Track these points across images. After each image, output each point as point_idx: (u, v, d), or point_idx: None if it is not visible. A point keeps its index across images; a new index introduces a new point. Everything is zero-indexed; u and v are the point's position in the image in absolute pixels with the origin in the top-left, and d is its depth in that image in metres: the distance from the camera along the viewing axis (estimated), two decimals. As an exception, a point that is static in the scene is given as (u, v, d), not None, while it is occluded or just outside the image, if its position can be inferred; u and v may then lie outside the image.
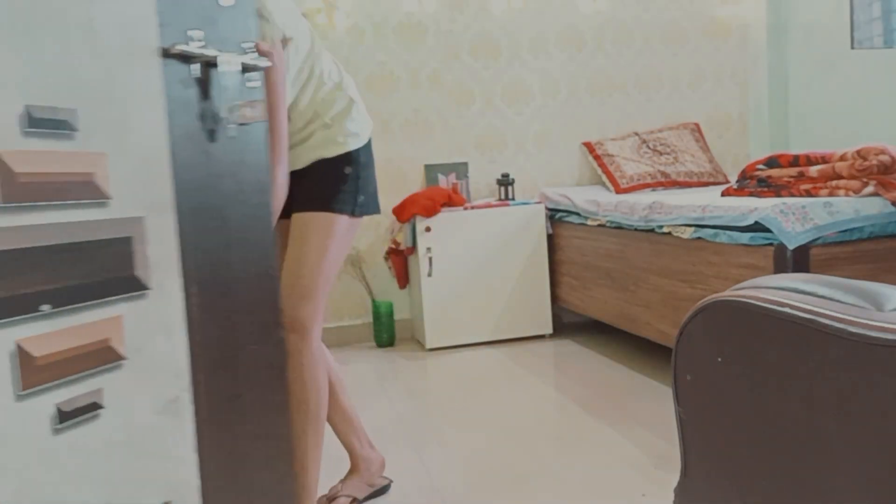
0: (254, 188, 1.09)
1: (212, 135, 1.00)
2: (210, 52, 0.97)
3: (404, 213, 3.49)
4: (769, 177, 2.44)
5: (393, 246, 3.68)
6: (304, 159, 1.64)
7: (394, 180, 3.81)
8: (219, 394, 1.00)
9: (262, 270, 1.11)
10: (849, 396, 0.68)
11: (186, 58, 0.95)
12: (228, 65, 0.99)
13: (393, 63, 3.78)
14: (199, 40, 0.96)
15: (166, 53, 0.91)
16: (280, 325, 1.15)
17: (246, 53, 1.07)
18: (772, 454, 0.79)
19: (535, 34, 3.96)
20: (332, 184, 1.65)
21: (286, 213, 1.61)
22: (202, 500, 0.95)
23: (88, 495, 0.78)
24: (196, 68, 0.97)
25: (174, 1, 0.92)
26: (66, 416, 0.76)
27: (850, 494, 0.69)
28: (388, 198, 3.80)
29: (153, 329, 0.87)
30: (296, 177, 1.61)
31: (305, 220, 1.62)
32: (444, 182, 3.82)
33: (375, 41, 3.76)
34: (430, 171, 3.83)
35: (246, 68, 1.06)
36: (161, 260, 0.89)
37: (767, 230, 2.09)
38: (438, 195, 3.50)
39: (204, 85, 0.99)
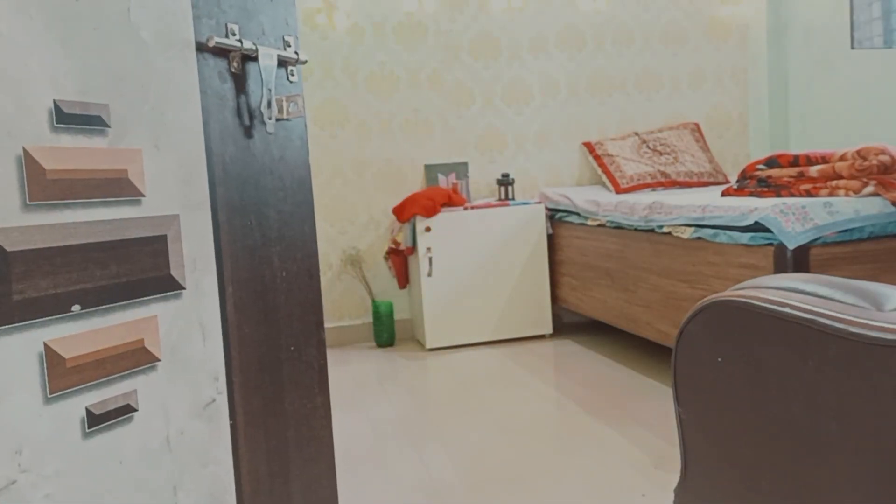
0: (294, 185, 1.06)
1: (249, 130, 0.97)
2: (248, 46, 0.93)
3: (404, 213, 3.49)
4: (769, 177, 2.44)
5: (393, 246, 3.67)
6: None
7: (394, 180, 3.81)
8: (256, 396, 0.98)
9: (303, 269, 1.08)
10: (849, 396, 0.68)
11: (224, 51, 0.92)
12: (269, 58, 0.95)
13: (393, 63, 3.78)
14: (236, 33, 0.94)
15: (203, 47, 0.88)
16: (321, 326, 1.12)
17: (287, 47, 1.03)
18: (772, 454, 0.79)
19: (535, 34, 3.96)
20: None
21: None
22: None
23: (122, 501, 0.76)
24: (234, 62, 0.94)
25: None
26: (98, 420, 0.74)
27: (850, 494, 0.69)
28: (388, 198, 3.80)
29: (189, 329, 0.85)
30: None
31: None
32: (444, 182, 3.82)
33: (375, 41, 3.76)
34: (430, 171, 3.83)
35: (285, 62, 1.01)
36: (197, 259, 0.87)
37: (767, 230, 2.09)
38: (438, 195, 3.50)
39: (241, 79, 0.95)
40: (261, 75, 0.96)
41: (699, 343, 0.90)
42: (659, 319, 2.71)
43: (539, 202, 3.65)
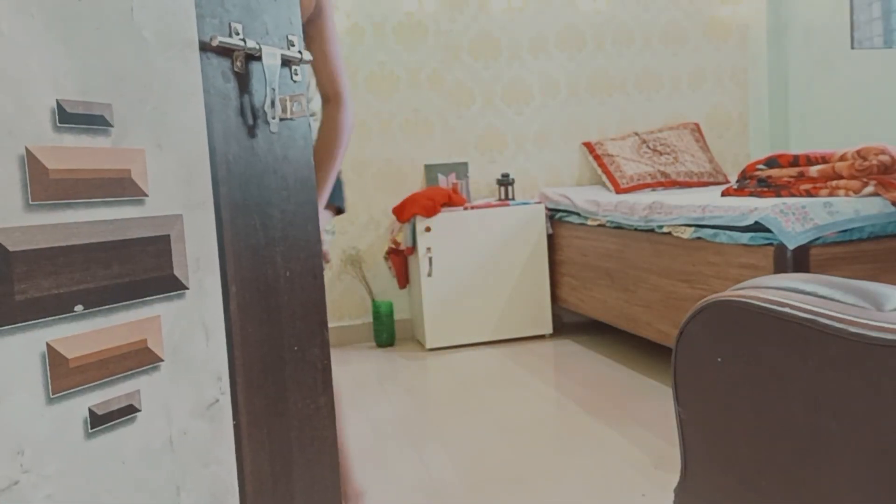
0: (297, 184, 1.05)
1: (253, 130, 0.97)
2: (252, 45, 0.93)
3: (404, 213, 3.49)
4: (769, 177, 2.44)
5: (393, 246, 3.68)
6: None
7: (394, 180, 3.81)
8: (260, 396, 0.97)
9: (306, 269, 1.07)
10: (849, 396, 0.68)
11: (227, 50, 0.91)
12: (272, 58, 0.95)
13: (393, 63, 3.78)
14: (240, 32, 0.93)
15: (206, 46, 0.88)
16: (325, 326, 1.11)
17: (291, 46, 1.03)
18: (772, 454, 0.79)
19: (535, 34, 3.96)
20: None
21: None
22: None
23: (124, 501, 0.76)
24: (237, 61, 0.93)
25: None
26: (101, 420, 0.73)
27: (850, 494, 0.69)
28: (388, 198, 3.80)
29: (192, 330, 0.85)
30: None
31: None
32: (444, 182, 3.82)
33: (375, 41, 3.76)
34: (430, 171, 3.83)
35: (288, 61, 1.01)
36: (200, 258, 0.86)
37: (767, 230, 2.09)
38: (438, 195, 3.50)
39: (245, 78, 0.95)
40: (264, 75, 0.96)
41: (699, 343, 0.90)
42: (659, 319, 2.71)
43: (539, 202, 3.65)
